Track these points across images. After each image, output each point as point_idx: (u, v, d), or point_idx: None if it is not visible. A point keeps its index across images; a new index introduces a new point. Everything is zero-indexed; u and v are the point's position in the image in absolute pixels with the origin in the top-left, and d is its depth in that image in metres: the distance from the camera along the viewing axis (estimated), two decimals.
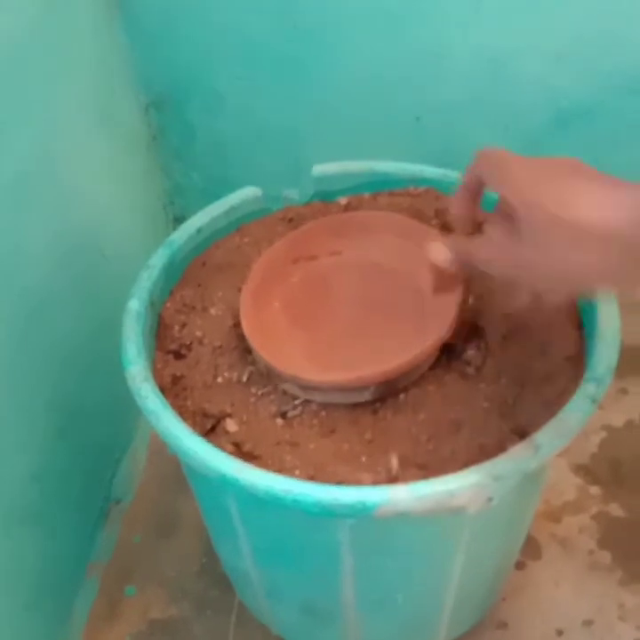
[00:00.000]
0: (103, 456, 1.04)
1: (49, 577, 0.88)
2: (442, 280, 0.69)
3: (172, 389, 0.67)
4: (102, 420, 1.02)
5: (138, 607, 0.96)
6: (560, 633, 0.90)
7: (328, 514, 0.55)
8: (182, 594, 0.96)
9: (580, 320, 0.69)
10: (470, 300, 0.71)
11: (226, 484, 0.57)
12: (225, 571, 0.92)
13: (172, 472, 1.09)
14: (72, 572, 0.95)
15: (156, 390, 0.63)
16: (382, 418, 0.65)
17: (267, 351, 0.65)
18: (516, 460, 0.56)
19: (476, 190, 0.59)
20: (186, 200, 1.23)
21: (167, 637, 0.93)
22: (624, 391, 1.15)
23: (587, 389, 0.60)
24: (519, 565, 0.96)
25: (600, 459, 1.07)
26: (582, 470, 1.06)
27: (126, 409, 1.10)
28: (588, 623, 0.91)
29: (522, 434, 0.60)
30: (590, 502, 1.02)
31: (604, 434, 1.10)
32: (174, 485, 1.07)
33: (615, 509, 1.01)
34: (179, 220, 0.79)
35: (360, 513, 0.54)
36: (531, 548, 0.97)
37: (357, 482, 0.59)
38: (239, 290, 0.72)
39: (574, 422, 0.58)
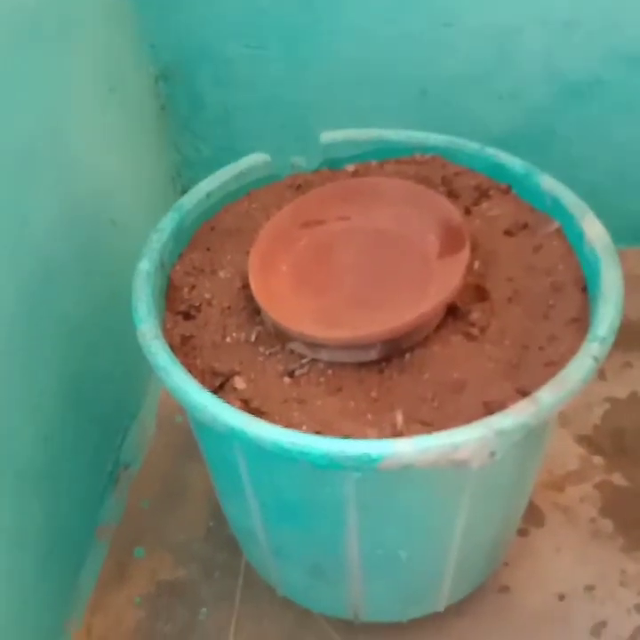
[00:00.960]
0: (112, 423, 1.05)
1: (59, 538, 0.89)
2: (448, 244, 0.71)
3: (181, 349, 0.69)
4: (111, 387, 1.03)
5: (146, 569, 0.97)
6: (562, 597, 0.91)
7: (334, 466, 0.56)
8: (190, 557, 0.98)
9: (584, 283, 0.70)
10: (476, 264, 0.72)
11: (234, 437, 0.58)
12: (232, 532, 0.93)
13: (180, 440, 1.10)
14: (82, 535, 0.97)
15: (166, 347, 0.64)
16: (388, 377, 0.66)
17: (275, 311, 0.66)
18: (518, 415, 0.57)
19: None
20: (194, 172, 1.24)
21: (175, 599, 0.94)
22: (628, 365, 1.16)
23: (589, 348, 0.61)
24: (522, 532, 0.97)
25: (603, 430, 1.08)
26: (585, 441, 1.07)
27: (135, 378, 1.12)
28: (589, 588, 0.92)
29: (525, 393, 0.61)
30: (593, 472, 1.03)
31: (607, 406, 1.11)
32: (182, 453, 1.09)
33: (617, 479, 1.02)
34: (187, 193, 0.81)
35: (365, 465, 0.55)
36: (533, 516, 0.98)
37: (363, 437, 0.60)
38: (247, 254, 0.73)
39: (576, 379, 0.59)
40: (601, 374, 1.13)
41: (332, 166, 0.85)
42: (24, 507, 0.81)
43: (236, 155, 0.83)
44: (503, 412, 0.57)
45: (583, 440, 1.07)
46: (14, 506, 0.79)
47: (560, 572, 0.94)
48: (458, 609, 0.89)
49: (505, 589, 0.93)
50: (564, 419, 1.07)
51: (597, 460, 1.04)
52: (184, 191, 1.23)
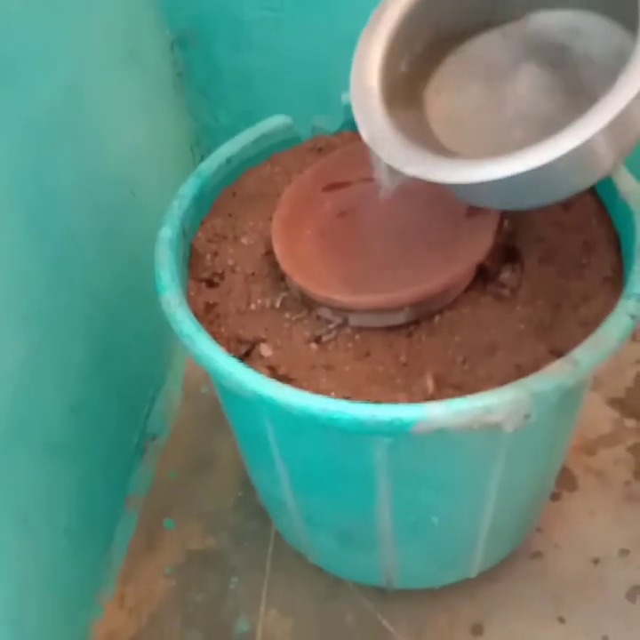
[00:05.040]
0: (138, 394, 1.05)
1: (89, 509, 0.90)
2: None
3: (205, 317, 0.68)
4: (135, 358, 1.03)
5: (176, 539, 0.97)
6: (596, 561, 0.90)
7: (365, 431, 0.55)
8: (220, 526, 0.98)
9: (618, 240, 0.68)
10: (505, 223, 0.70)
11: (262, 404, 0.57)
12: (261, 501, 0.93)
13: (206, 410, 1.10)
14: (111, 505, 0.97)
15: (191, 315, 0.63)
16: (417, 340, 0.64)
17: (300, 275, 0.65)
18: (554, 376, 0.55)
19: None
20: (213, 140, 1.22)
21: (205, 568, 0.94)
22: None
23: (626, 306, 0.59)
24: (554, 497, 0.96)
25: (636, 392, 1.06)
26: (618, 404, 1.05)
27: (159, 349, 1.12)
28: (624, 552, 0.91)
29: (559, 354, 0.59)
30: (626, 435, 1.01)
31: (639, 368, 1.09)
32: (209, 423, 1.08)
33: None
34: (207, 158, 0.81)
35: (397, 430, 0.54)
36: (566, 480, 0.97)
37: (393, 402, 0.59)
38: (270, 219, 0.71)
39: (613, 338, 0.57)
40: (632, 335, 1.11)
41: (355, 128, 0.82)
42: (54, 478, 0.81)
43: (255, 121, 0.82)
44: (538, 374, 0.56)
45: (615, 403, 1.05)
46: (44, 477, 0.79)
47: (594, 537, 0.93)
48: (490, 575, 0.88)
49: (538, 555, 0.91)
50: (595, 382, 1.05)
51: (630, 422, 1.02)
52: (203, 160, 1.21)
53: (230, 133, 0.80)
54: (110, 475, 0.97)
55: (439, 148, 0.63)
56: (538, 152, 0.52)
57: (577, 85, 0.61)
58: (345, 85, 0.84)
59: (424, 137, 0.64)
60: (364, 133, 0.62)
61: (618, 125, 0.50)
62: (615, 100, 0.50)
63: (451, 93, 0.67)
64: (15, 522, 0.74)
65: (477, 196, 0.63)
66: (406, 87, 0.67)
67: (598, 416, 1.03)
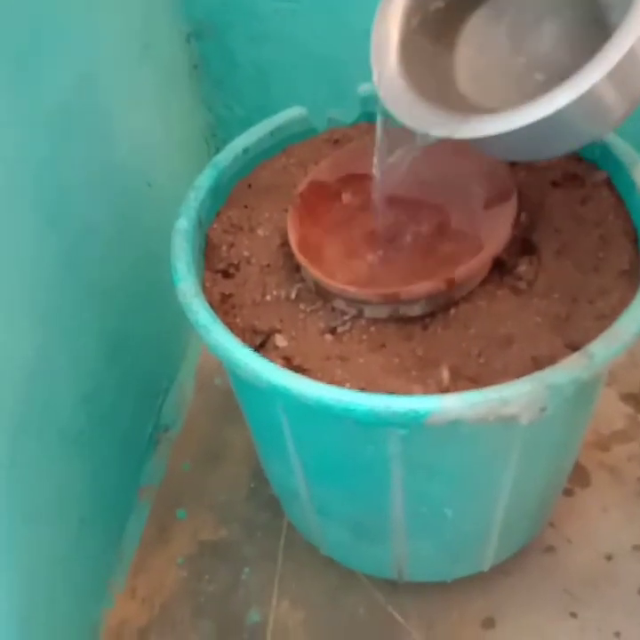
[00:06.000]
0: (151, 385, 1.05)
1: (101, 500, 0.90)
2: (494, 195, 0.68)
3: (221, 307, 0.68)
4: (149, 349, 1.03)
5: (188, 530, 0.98)
6: (609, 557, 0.90)
7: (380, 422, 0.55)
8: (232, 517, 0.98)
9: (635, 234, 0.67)
10: (522, 216, 0.70)
11: (276, 394, 0.57)
12: (274, 492, 0.93)
13: (220, 402, 1.10)
14: (123, 496, 0.98)
15: (207, 305, 0.63)
16: (432, 333, 0.64)
17: (315, 267, 0.65)
18: (570, 369, 0.55)
19: None
20: (228, 132, 1.22)
21: (217, 559, 0.95)
22: None
23: None
24: (567, 492, 0.96)
25: None
26: (632, 399, 1.04)
27: (173, 340, 1.12)
28: (637, 548, 0.91)
29: (575, 348, 0.59)
30: None
31: None
32: (222, 415, 1.08)
33: None
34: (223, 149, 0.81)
35: (412, 421, 0.54)
36: (579, 476, 0.97)
37: (408, 393, 0.59)
38: (286, 211, 0.71)
39: (630, 332, 0.57)
40: None
41: (371, 119, 0.82)
42: (67, 468, 0.81)
43: (271, 113, 0.82)
44: (554, 366, 0.55)
45: (630, 399, 1.04)
46: (58, 467, 0.79)
47: (607, 533, 0.92)
48: (503, 569, 0.88)
49: (550, 549, 0.91)
50: (609, 377, 1.04)
51: None
52: (218, 152, 1.21)
53: (246, 125, 0.81)
54: (123, 466, 0.97)
55: (459, 100, 0.62)
56: (538, 105, 0.51)
57: (601, 32, 0.60)
58: (361, 77, 0.84)
59: (444, 91, 0.62)
60: (383, 94, 0.61)
61: (623, 69, 0.49)
62: (617, 44, 0.49)
63: (475, 46, 0.66)
64: (28, 512, 0.74)
65: (490, 149, 0.62)
66: (429, 45, 0.65)
67: (612, 412, 1.03)
